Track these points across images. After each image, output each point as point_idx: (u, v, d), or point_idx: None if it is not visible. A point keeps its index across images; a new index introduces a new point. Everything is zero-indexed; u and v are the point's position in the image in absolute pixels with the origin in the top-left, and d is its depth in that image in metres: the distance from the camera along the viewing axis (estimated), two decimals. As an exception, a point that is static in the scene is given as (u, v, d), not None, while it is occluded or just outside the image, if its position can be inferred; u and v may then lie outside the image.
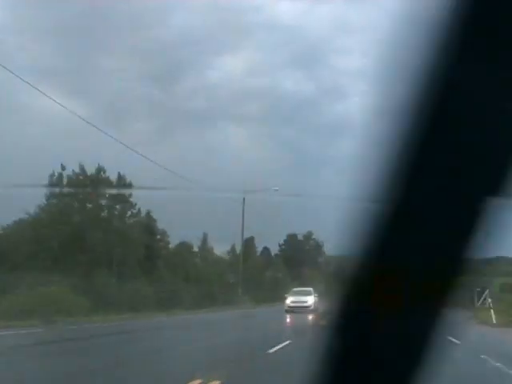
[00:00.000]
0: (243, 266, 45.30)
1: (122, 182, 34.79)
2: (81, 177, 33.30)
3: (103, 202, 34.34)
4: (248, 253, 64.39)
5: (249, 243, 68.40)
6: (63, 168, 33.14)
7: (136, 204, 35.23)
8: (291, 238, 75.35)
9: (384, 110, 0.83)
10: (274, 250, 74.79)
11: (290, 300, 32.82)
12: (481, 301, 48.13)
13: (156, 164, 36.47)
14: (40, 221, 31.57)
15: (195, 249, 49.91)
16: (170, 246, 48.64)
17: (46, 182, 32.59)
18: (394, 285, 0.80)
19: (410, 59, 0.79)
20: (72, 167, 32.68)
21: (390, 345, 0.83)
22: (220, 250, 53.96)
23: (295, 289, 35.37)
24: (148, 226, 44.32)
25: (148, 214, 45.44)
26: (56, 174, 33.15)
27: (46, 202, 32.74)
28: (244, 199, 37.33)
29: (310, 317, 25.56)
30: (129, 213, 35.24)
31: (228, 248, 57.83)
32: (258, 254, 70.91)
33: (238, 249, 58.21)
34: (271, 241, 73.96)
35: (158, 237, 49.73)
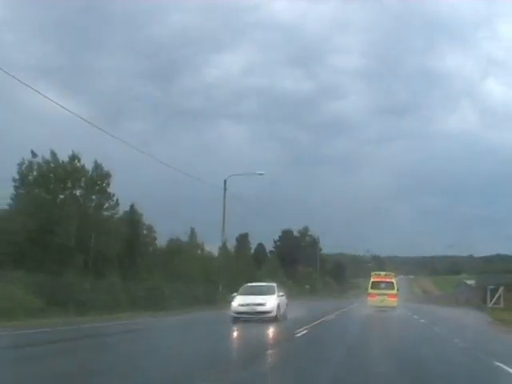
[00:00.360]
0: (234, 263, 42.43)
1: (99, 171, 31.80)
2: (52, 165, 30.26)
3: (78, 192, 31.32)
4: (242, 249, 61.57)
5: (243, 240, 65.58)
6: (34, 155, 30.18)
7: (114, 195, 32.23)
8: (286, 234, 72.42)
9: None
10: (270, 246, 71.98)
11: (237, 302, 21.29)
12: (494, 300, 45.04)
13: (136, 149, 33.32)
14: (6, 213, 28.67)
15: (185, 245, 46.97)
16: (160, 242, 45.87)
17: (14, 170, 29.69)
18: None
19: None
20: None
21: None
22: (212, 246, 50.91)
23: (249, 284, 23.99)
24: (133, 221, 41.41)
25: (132, 207, 42.61)
26: (26, 162, 30.16)
27: (14, 193, 29.78)
28: (225, 182, 34.07)
29: (272, 329, 17.82)
30: (106, 204, 32.20)
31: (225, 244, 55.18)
32: (253, 250, 68.12)
33: (230, 245, 55.36)
34: (267, 237, 71.62)
35: (145, 232, 47.26)
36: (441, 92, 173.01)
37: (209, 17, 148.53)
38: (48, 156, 30.08)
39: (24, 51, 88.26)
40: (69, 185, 30.87)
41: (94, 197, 31.84)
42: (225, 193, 34.91)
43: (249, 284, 23.96)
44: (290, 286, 59.29)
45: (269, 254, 68.68)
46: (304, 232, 74.36)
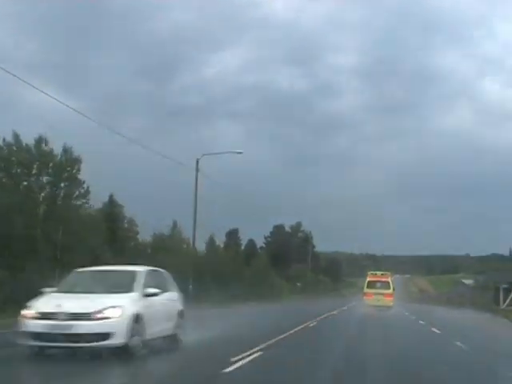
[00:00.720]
0: (216, 259, 39.56)
1: (68, 156, 28.91)
2: (15, 148, 27.36)
3: (44, 179, 28.42)
4: (231, 246, 58.79)
5: (232, 235, 62.78)
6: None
7: (84, 182, 29.32)
8: (278, 230, 69.35)
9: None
10: (261, 242, 69.02)
11: (37, 309, 9.65)
12: (508, 301, 41.75)
13: (110, 130, 30.34)
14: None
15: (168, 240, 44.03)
16: (144, 237, 42.95)
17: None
18: None
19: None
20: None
21: None
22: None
23: (85, 269, 11.34)
24: (111, 213, 38.60)
25: (111, 198, 39.74)
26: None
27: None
28: (197, 162, 30.78)
29: None
30: (76, 193, 29.31)
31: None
32: (243, 247, 65.31)
33: (219, 240, 52.52)
34: (260, 233, 69.08)
35: (126, 226, 44.44)
36: (437, 91, 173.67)
37: (206, 15, 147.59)
38: (10, 139, 27.17)
39: (19, 47, 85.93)
40: (34, 170, 27.97)
41: (62, 184, 28.89)
42: (197, 174, 30.70)
43: (84, 269, 11.28)
44: (282, 284, 56.79)
45: (260, 251, 65.73)
46: (296, 228, 71.29)
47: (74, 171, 29.06)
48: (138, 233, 45.75)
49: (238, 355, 9.52)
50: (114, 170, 57.61)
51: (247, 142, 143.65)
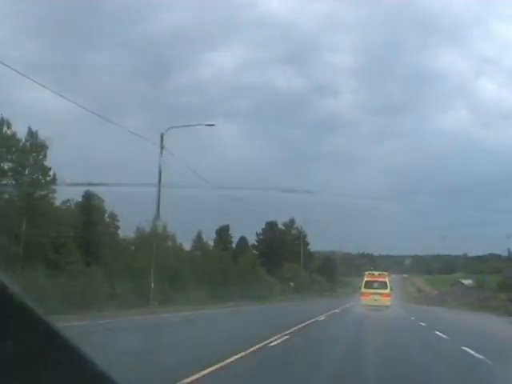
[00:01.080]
0: (203, 259, 36.78)
1: (33, 140, 26.15)
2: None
3: (6, 165, 25.65)
4: (222, 243, 56.06)
5: (223, 233, 60.01)
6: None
7: (51, 169, 26.55)
8: (270, 227, 66.41)
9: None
10: (253, 240, 66.07)
11: None
12: None
13: (77, 105, 27.38)
14: None
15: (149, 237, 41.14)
16: (128, 233, 40.06)
17: None
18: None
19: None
20: None
21: None
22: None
23: None
24: (86, 207, 35.78)
25: (88, 190, 36.93)
26: None
27: None
28: (162, 136, 27.47)
29: None
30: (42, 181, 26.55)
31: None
32: (234, 244, 62.53)
33: (207, 237, 49.73)
34: (253, 231, 66.53)
35: (107, 220, 41.67)
36: (434, 91, 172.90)
37: (202, 14, 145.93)
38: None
39: (15, 46, 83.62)
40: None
41: (26, 171, 26.14)
42: (161, 151, 26.79)
43: None
44: (273, 283, 53.94)
45: (252, 248, 62.82)
46: (290, 224, 68.37)
47: (41, 157, 26.34)
48: (118, 228, 43.36)
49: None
50: (92, 161, 54.83)
51: (245, 141, 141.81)
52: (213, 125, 28.27)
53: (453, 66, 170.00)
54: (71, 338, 1.21)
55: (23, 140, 26.01)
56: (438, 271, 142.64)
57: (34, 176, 26.40)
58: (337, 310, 30.69)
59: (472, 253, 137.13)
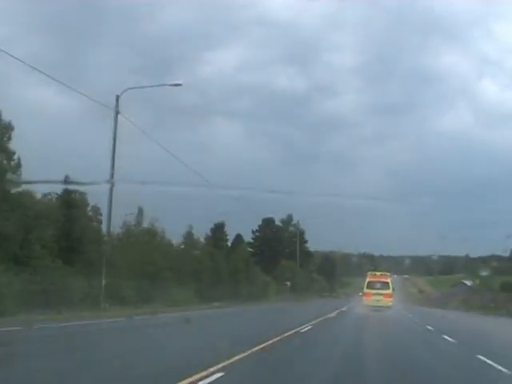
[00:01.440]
0: (192, 256, 33.87)
1: (-4, 121, 23.32)
2: None
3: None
4: (217, 241, 53.34)
5: (218, 230, 57.22)
6: None
7: (15, 153, 23.73)
8: (267, 224, 63.35)
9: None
10: (249, 238, 63.03)
11: None
12: None
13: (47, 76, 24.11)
14: None
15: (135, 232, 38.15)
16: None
17: None
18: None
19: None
20: None
21: None
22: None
23: None
24: (65, 199, 33.00)
25: (67, 178, 34.11)
26: None
27: None
28: (118, 98, 23.86)
29: None
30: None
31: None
32: (230, 242, 59.75)
33: (197, 234, 46.82)
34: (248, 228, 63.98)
35: (90, 214, 38.90)
36: (436, 91, 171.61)
37: (203, 13, 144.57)
38: None
39: (18, 44, 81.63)
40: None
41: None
42: (116, 116, 22.69)
43: None
44: (268, 282, 50.94)
45: (247, 246, 59.88)
46: (287, 221, 65.12)
47: (5, 139, 23.53)
48: (101, 222, 40.53)
49: None
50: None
51: (246, 140, 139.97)
52: (179, 84, 24.14)
53: (455, 67, 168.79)
54: None
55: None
56: (439, 272, 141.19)
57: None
58: (332, 315, 25.86)
59: (473, 254, 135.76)
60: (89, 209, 38.10)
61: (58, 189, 30.24)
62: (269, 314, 27.02)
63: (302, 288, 59.14)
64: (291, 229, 64.84)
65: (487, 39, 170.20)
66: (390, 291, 35.30)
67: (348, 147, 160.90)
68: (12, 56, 18.62)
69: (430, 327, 19.63)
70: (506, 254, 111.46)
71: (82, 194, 35.92)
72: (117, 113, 22.48)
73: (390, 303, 34.80)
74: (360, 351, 11.37)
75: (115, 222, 36.32)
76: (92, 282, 23.86)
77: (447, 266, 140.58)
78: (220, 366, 7.62)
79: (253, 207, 45.52)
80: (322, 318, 21.54)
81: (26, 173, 24.14)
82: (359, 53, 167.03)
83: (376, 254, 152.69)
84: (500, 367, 9.05)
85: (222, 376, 6.98)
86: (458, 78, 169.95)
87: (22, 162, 23.97)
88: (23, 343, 10.58)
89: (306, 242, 65.49)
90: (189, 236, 45.24)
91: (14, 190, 24.51)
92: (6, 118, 23.56)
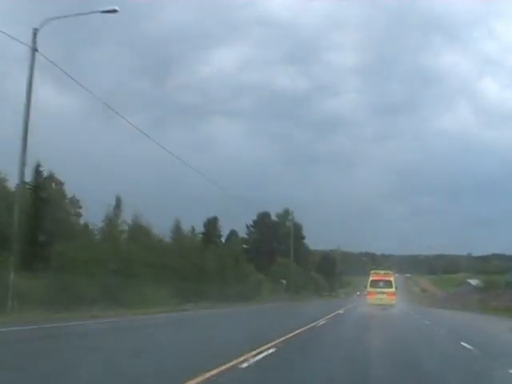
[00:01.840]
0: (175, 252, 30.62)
1: None
2: None
3: None
4: (210, 236, 50.23)
5: (211, 225, 54.02)
6: None
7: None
8: (263, 219, 59.98)
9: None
10: (244, 233, 59.68)
11: None
12: None
13: None
14: None
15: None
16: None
17: None
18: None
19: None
20: None
21: None
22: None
23: None
24: (37, 188, 29.90)
25: (37, 168, 30.96)
26: None
27: None
28: (35, 33, 18.37)
29: None
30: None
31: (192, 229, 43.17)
32: (224, 238, 56.59)
33: (186, 229, 43.65)
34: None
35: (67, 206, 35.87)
36: (436, 91, 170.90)
37: (204, 13, 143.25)
38: None
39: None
40: None
41: None
42: (34, 54, 17.58)
43: None
44: (262, 280, 47.66)
45: (241, 242, 56.67)
46: (284, 215, 61.40)
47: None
48: (81, 215, 37.37)
49: None
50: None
51: (246, 140, 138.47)
52: (114, 11, 19.68)
53: (456, 67, 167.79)
54: None
55: None
56: (441, 271, 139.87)
57: None
58: (322, 322, 19.06)
59: (476, 253, 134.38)
60: (66, 200, 35.51)
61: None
62: (240, 320, 21.13)
63: (298, 287, 55.64)
64: (288, 224, 61.23)
65: (487, 39, 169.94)
66: (393, 290, 35.99)
67: (348, 146, 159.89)
68: None
69: (466, 344, 12.26)
70: (509, 253, 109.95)
71: (59, 183, 33.35)
72: (34, 50, 17.87)
73: (393, 301, 35.74)
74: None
75: (99, 214, 33.36)
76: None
77: (449, 265, 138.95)
78: None
79: (249, 203, 42.92)
80: (311, 325, 16.50)
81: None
82: (359, 53, 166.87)
83: (377, 252, 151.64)
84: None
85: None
86: (459, 77, 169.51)
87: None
88: None
89: (303, 238, 62.29)
90: (177, 230, 42.18)
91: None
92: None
